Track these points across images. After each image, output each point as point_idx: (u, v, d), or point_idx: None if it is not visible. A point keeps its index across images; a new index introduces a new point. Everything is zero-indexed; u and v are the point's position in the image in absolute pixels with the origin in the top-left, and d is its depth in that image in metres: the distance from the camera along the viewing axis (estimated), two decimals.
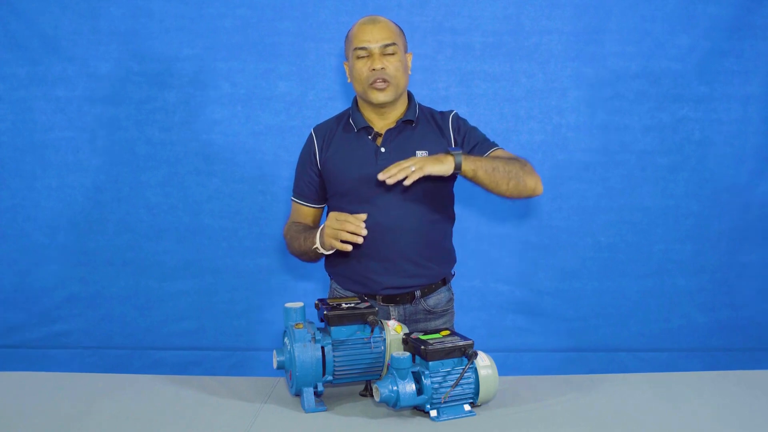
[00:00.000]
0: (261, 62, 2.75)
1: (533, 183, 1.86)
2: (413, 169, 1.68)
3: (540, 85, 2.78)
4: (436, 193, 1.94)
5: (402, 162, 1.71)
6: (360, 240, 1.72)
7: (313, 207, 2.03)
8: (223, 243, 2.83)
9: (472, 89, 2.78)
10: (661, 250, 2.85)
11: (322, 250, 1.83)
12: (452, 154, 1.73)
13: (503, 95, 2.78)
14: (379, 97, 1.89)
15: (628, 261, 2.85)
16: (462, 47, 2.76)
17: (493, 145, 1.97)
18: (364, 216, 1.75)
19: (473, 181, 1.79)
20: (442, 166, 1.71)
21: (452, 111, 2.02)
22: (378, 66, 1.87)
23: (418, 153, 1.91)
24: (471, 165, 1.75)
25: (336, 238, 1.75)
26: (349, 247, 1.74)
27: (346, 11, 2.73)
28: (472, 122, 2.04)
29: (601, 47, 2.76)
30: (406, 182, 1.68)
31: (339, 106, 2.15)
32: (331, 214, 1.79)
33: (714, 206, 2.83)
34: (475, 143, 1.96)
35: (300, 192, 2.03)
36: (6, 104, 2.76)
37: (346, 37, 1.96)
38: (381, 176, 1.70)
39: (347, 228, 1.72)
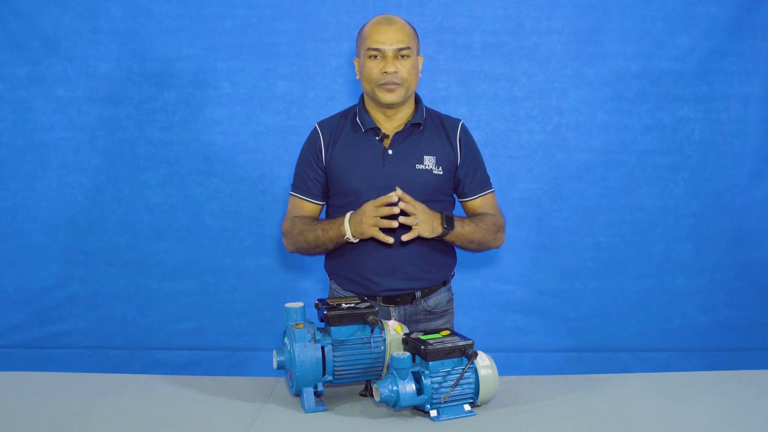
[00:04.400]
0: (261, 62, 2.75)
1: (495, 245, 1.99)
2: (416, 222, 1.76)
3: (540, 85, 2.78)
4: (437, 197, 1.94)
5: (416, 207, 1.77)
6: (395, 224, 1.75)
7: (316, 203, 1.99)
8: (223, 243, 2.83)
9: (472, 89, 2.78)
10: (661, 250, 2.85)
11: (351, 239, 1.83)
12: (443, 223, 1.81)
13: (503, 95, 2.78)
14: (388, 97, 1.88)
15: (628, 261, 2.85)
16: (462, 47, 2.77)
17: (488, 187, 2.02)
18: (394, 198, 1.75)
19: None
20: (431, 234, 1.81)
21: (460, 120, 2.02)
22: (391, 69, 1.85)
23: (426, 157, 1.92)
24: (452, 238, 1.86)
25: (377, 226, 1.75)
26: (392, 240, 1.78)
27: (346, 11, 2.73)
28: (472, 123, 2.04)
29: (601, 47, 2.76)
30: (404, 238, 1.78)
31: (339, 106, 2.15)
32: (367, 203, 1.78)
33: (714, 206, 2.83)
34: (473, 172, 1.99)
35: (303, 188, 1.98)
36: (6, 104, 2.76)
37: (359, 33, 1.94)
38: (400, 194, 1.75)
39: (384, 213, 1.75)
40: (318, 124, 2.01)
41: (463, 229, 1.86)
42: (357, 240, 1.83)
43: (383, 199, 1.76)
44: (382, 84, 1.87)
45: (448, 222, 1.82)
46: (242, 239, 2.83)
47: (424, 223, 1.78)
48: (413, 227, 1.76)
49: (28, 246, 2.82)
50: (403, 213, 1.78)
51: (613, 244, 2.85)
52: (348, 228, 1.81)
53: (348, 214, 1.83)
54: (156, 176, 2.80)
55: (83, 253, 2.82)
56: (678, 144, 2.81)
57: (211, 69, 2.75)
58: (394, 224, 1.75)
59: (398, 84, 1.87)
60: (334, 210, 1.98)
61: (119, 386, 1.78)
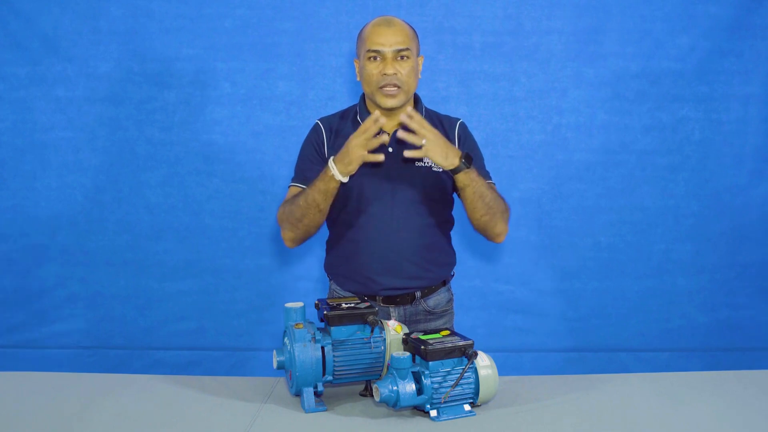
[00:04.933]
0: (261, 62, 2.75)
1: (501, 229, 1.91)
2: (423, 143, 1.72)
3: (540, 85, 2.78)
4: (437, 196, 1.94)
5: (426, 128, 1.74)
6: (386, 139, 1.78)
7: None
8: (223, 243, 2.83)
9: (472, 89, 2.78)
10: (661, 250, 2.85)
11: (341, 178, 1.77)
12: (462, 157, 1.76)
13: (503, 95, 2.78)
14: (388, 102, 1.88)
15: (628, 261, 2.85)
16: (462, 47, 2.77)
17: (488, 179, 1.98)
18: (377, 115, 1.72)
19: (457, 190, 1.84)
20: (444, 161, 1.75)
21: (459, 119, 2.02)
22: (390, 71, 1.84)
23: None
24: (466, 180, 1.78)
25: (365, 149, 1.73)
26: (382, 157, 1.76)
27: (346, 11, 2.73)
28: (472, 123, 2.04)
29: (601, 47, 2.76)
30: (407, 153, 1.74)
31: (339, 106, 2.15)
32: (351, 136, 1.76)
33: (714, 206, 2.83)
34: None
35: (306, 176, 1.93)
36: (6, 104, 2.76)
37: (359, 35, 1.93)
38: (407, 116, 1.73)
39: (371, 132, 1.72)
40: (319, 120, 2.01)
41: (479, 179, 1.81)
42: (347, 179, 1.78)
43: (366, 123, 1.73)
44: (382, 87, 1.86)
45: (468, 159, 1.77)
46: (242, 239, 2.83)
47: (436, 146, 1.73)
48: (421, 150, 1.72)
49: (28, 246, 2.82)
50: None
51: (613, 244, 2.85)
52: (333, 167, 1.76)
53: (331, 158, 1.79)
54: (156, 176, 2.80)
55: (83, 253, 2.82)
56: (678, 144, 2.81)
57: (211, 69, 2.75)
58: (384, 138, 1.76)
59: (398, 87, 1.86)
60: (333, 208, 1.97)
61: (119, 386, 1.78)
